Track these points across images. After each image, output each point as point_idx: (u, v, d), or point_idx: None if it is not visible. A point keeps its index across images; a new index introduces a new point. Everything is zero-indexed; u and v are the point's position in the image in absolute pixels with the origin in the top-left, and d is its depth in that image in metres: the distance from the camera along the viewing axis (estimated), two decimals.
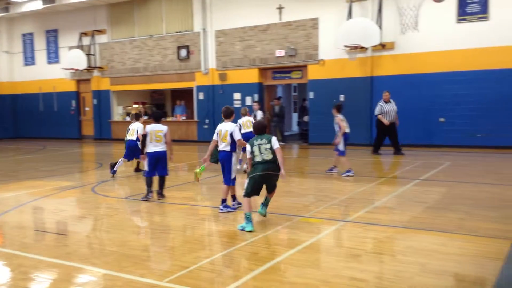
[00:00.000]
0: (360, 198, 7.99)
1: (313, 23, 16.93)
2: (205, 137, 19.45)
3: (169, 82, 20.59)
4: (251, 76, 18.44)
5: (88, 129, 23.36)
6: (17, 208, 8.10)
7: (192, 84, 19.90)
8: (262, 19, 17.87)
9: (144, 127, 9.11)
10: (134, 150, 10.64)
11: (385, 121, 13.64)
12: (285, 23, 17.46)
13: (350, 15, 15.83)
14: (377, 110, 13.90)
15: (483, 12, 14.24)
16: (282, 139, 18.14)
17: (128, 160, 11.28)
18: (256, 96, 18.31)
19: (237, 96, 18.78)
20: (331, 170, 10.45)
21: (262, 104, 17.86)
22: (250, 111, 13.04)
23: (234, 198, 7.44)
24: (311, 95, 17.29)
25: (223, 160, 7.26)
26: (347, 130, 10.17)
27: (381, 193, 8.48)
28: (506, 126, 14.15)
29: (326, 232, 6.15)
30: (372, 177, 10.10)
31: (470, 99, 14.29)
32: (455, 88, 14.53)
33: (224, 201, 7.30)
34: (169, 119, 21.53)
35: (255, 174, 6.34)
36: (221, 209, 7.26)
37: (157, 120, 8.43)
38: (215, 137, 7.33)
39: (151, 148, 8.23)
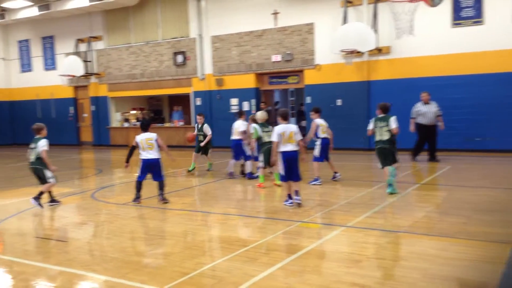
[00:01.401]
0: (360, 203, 8.00)
1: (309, 28, 17.00)
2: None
3: (166, 88, 20.60)
4: (248, 81, 18.47)
5: (87, 135, 23.32)
6: (17, 215, 8.08)
7: (189, 90, 19.92)
8: (258, 25, 17.92)
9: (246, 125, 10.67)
10: (239, 149, 10.96)
11: (412, 126, 12.86)
12: (281, 28, 17.52)
13: (345, 20, 15.90)
14: (411, 113, 13.04)
15: (477, 16, 14.33)
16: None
17: (237, 160, 11.29)
18: (253, 101, 18.35)
19: (234, 101, 18.80)
20: (334, 177, 10.27)
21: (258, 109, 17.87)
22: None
23: (297, 193, 7.85)
24: (308, 99, 17.32)
25: (291, 159, 7.71)
26: (323, 135, 10.00)
27: (381, 197, 8.49)
28: (504, 130, 14.21)
29: (327, 237, 6.15)
30: (371, 181, 10.11)
31: (467, 103, 14.35)
32: (452, 92, 14.59)
33: (290, 196, 7.84)
34: (166, 124, 21.53)
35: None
36: (290, 203, 7.82)
37: (145, 129, 8.85)
38: (277, 138, 7.70)
39: (144, 155, 8.60)
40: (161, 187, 8.59)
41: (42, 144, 8.47)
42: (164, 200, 8.49)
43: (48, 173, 8.53)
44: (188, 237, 6.44)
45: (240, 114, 11.55)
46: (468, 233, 6.06)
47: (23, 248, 6.14)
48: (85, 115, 23.33)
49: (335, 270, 4.90)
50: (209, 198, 9.31)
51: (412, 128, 12.90)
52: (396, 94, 15.54)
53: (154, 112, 23.94)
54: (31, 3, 20.74)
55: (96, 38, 21.90)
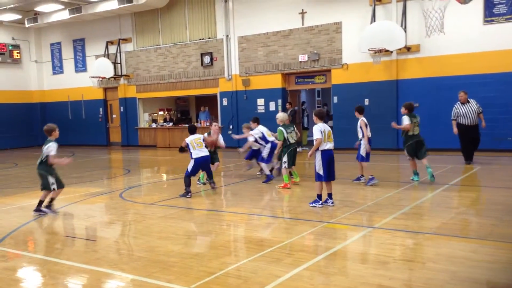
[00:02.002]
0: (387, 204, 7.89)
1: (336, 27, 16.86)
2: (229, 142, 19.46)
3: (193, 89, 20.78)
4: (275, 81, 18.45)
5: (116, 136, 23.73)
6: (48, 214, 8.27)
7: (216, 90, 20.03)
8: (285, 24, 17.88)
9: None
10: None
11: (454, 128, 12.26)
12: (308, 27, 17.43)
13: (374, 18, 15.71)
14: (452, 115, 12.46)
15: (510, 13, 13.94)
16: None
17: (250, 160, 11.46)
18: (280, 101, 18.33)
19: (260, 101, 18.81)
20: (358, 179, 10.14)
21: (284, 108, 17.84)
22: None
23: (331, 196, 7.92)
24: (335, 99, 17.19)
25: (331, 158, 7.73)
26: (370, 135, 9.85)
27: (409, 198, 8.35)
28: None
29: (353, 238, 6.09)
30: (399, 182, 9.96)
31: (499, 101, 13.97)
32: (484, 90, 14.22)
33: (320, 197, 7.86)
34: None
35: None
36: (321, 204, 7.83)
37: (192, 132, 9.73)
38: (320, 135, 7.64)
39: (197, 153, 9.36)
40: (211, 174, 9.80)
41: (49, 149, 7.92)
42: (214, 185, 9.85)
43: (51, 179, 7.97)
44: (213, 237, 6.48)
45: (255, 120, 11.37)
46: (499, 235, 5.90)
47: (54, 247, 6.29)
48: (114, 116, 23.74)
49: (361, 272, 4.84)
50: (234, 199, 9.34)
51: (455, 130, 12.30)
52: (425, 93, 15.30)
53: (181, 113, 24.18)
54: (63, 7, 21.23)
55: (126, 40, 22.26)
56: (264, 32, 18.40)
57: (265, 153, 10.68)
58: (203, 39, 20.11)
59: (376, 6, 15.79)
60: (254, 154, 11.11)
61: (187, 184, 9.21)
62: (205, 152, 9.46)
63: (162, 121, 22.67)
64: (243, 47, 19.04)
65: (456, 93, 14.66)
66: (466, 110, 12.18)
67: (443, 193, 8.73)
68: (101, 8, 20.48)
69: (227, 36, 19.26)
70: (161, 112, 23.27)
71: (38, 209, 8.08)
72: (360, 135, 9.77)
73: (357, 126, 9.86)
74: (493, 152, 13.86)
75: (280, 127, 10.00)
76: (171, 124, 21.95)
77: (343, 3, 16.62)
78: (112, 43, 22.55)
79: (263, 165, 10.86)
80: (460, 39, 14.62)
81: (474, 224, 6.66)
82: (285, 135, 9.88)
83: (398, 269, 4.89)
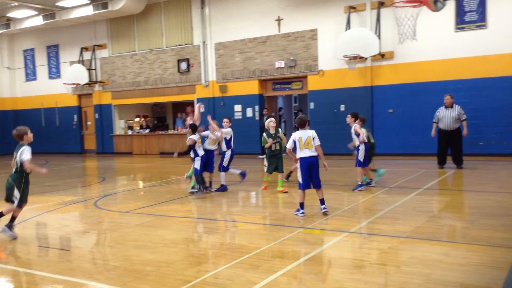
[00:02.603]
0: (363, 209, 7.97)
1: (312, 34, 17.03)
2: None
3: (170, 95, 20.69)
4: (252, 87, 18.51)
5: (90, 143, 23.42)
6: (20, 223, 8.08)
7: (193, 97, 19.98)
8: (261, 31, 17.99)
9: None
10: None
11: (432, 130, 12.45)
12: (284, 34, 17.56)
13: (348, 25, 15.93)
14: (434, 117, 12.62)
15: (481, 20, 14.32)
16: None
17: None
18: (257, 108, 18.39)
19: (238, 108, 18.84)
20: (368, 184, 9.92)
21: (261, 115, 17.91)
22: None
23: (323, 202, 7.67)
24: (311, 105, 17.32)
25: (311, 165, 7.56)
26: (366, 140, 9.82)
27: (384, 203, 8.46)
28: (508, 134, 14.16)
29: (330, 243, 6.13)
30: (374, 187, 10.07)
31: (471, 107, 14.28)
32: (456, 96, 14.42)
33: (302, 205, 7.65)
34: (170, 131, 21.59)
35: None
36: (302, 213, 7.61)
37: (195, 130, 10.21)
38: (290, 145, 7.61)
39: (201, 152, 9.98)
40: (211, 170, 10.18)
41: (24, 155, 6.85)
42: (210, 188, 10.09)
43: (16, 193, 6.88)
44: (190, 245, 6.44)
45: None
46: (471, 237, 6.03)
47: (26, 257, 6.15)
48: (89, 123, 23.44)
49: (338, 276, 4.87)
50: (211, 205, 9.30)
51: (432, 132, 12.50)
52: (399, 99, 15.58)
53: (157, 119, 24.03)
54: (36, 13, 20.92)
55: (101, 46, 22.04)
56: (241, 39, 18.46)
57: (225, 161, 10.34)
58: (179, 45, 20.05)
59: (350, 13, 16.02)
60: (205, 165, 10.38)
61: (200, 181, 9.76)
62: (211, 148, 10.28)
63: (138, 128, 22.48)
64: (220, 54, 19.05)
65: (430, 99, 14.99)
66: (444, 114, 12.29)
67: (416, 197, 8.87)
68: (76, 14, 20.28)
69: (204, 42, 19.26)
70: (137, 119, 23.08)
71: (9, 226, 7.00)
72: (357, 142, 9.75)
73: (351, 133, 9.85)
74: (466, 156, 14.12)
75: (264, 134, 10.16)
76: (147, 130, 21.79)
77: (319, 10, 16.81)
78: (86, 49, 22.30)
79: (222, 174, 10.40)
80: (432, 46, 14.94)
81: (447, 228, 6.78)
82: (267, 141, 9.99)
83: (373, 273, 4.94)
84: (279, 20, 17.60)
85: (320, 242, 6.25)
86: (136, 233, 7.07)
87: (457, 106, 12.35)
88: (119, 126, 22.63)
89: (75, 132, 23.66)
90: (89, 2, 19.63)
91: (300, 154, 7.55)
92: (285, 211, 8.16)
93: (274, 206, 8.87)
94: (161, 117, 24.37)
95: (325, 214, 7.52)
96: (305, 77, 17.47)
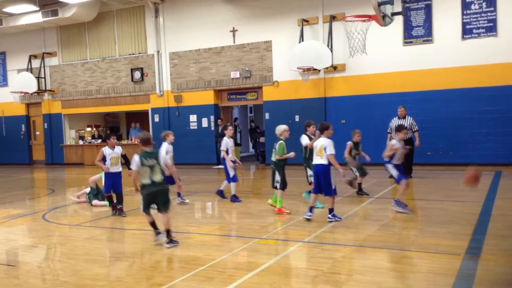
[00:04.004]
0: (317, 218, 8.07)
1: (267, 46, 17.22)
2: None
3: (123, 105, 20.34)
4: (207, 97, 18.47)
5: (39, 154, 22.61)
6: None
7: (147, 107, 19.71)
8: (217, 42, 18.02)
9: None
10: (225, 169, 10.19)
11: (387, 141, 12.15)
12: (239, 45, 17.67)
13: (302, 38, 16.22)
14: (388, 127, 12.94)
15: (428, 35, 14.94)
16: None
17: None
18: (212, 118, 18.35)
19: (193, 118, 18.73)
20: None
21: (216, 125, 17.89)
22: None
23: (331, 211, 7.78)
24: (266, 116, 17.47)
25: (319, 173, 7.67)
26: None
27: (337, 212, 8.58)
28: (454, 144, 14.78)
29: (284, 253, 6.17)
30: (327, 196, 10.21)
31: (419, 118, 14.77)
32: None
33: (331, 210, 7.77)
34: (124, 142, 21.17)
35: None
36: (330, 218, 7.73)
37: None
38: (333, 151, 7.60)
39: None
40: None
41: None
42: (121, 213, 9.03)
43: None
44: (144, 258, 6.31)
45: (225, 128, 10.54)
46: (420, 245, 6.22)
47: None
48: (38, 133, 22.65)
49: (292, 286, 4.91)
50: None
51: (387, 143, 12.71)
52: (351, 110, 15.96)
53: (110, 129, 23.52)
54: None
55: (50, 54, 21.43)
56: (196, 49, 18.43)
57: (231, 172, 9.87)
58: (133, 54, 19.78)
59: (304, 26, 16.34)
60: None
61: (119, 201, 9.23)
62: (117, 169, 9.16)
63: (90, 138, 21.91)
64: (175, 63, 18.93)
65: (380, 110, 15.43)
66: (397, 124, 12.45)
67: (368, 206, 9.09)
68: (24, 21, 19.63)
69: (158, 51, 19.08)
70: (88, 129, 22.52)
71: None
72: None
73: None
74: (415, 166, 14.60)
75: (281, 141, 8.87)
76: (99, 141, 21.28)
77: (273, 22, 17.04)
78: (35, 57, 21.61)
79: (232, 184, 9.94)
80: (382, 59, 15.44)
81: (397, 236, 6.97)
82: (285, 151, 8.77)
83: (327, 282, 5.01)
84: (234, 31, 17.70)
85: (274, 252, 6.28)
86: (86, 247, 6.86)
87: (409, 117, 12.79)
88: (69, 136, 21.99)
89: (23, 142, 22.79)
90: (38, 9, 19.05)
91: (313, 160, 7.87)
92: (241, 221, 8.15)
93: (229, 217, 8.85)
94: (115, 127, 23.87)
95: (329, 221, 7.71)
96: (260, 87, 17.61)
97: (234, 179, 9.88)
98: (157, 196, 6.61)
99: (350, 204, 9.28)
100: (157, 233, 6.85)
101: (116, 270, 5.80)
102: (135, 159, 6.65)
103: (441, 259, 5.60)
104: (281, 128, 8.92)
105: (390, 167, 8.70)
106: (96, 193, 10.40)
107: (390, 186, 11.66)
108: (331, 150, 7.58)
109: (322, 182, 7.68)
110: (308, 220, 7.81)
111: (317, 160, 7.73)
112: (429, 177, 12.91)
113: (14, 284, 5.31)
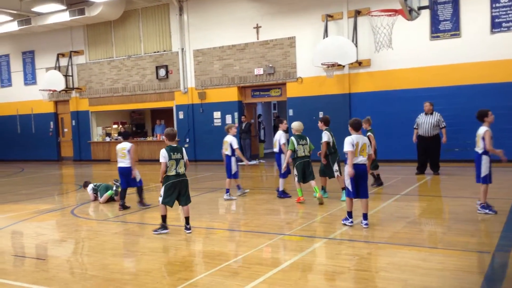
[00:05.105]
0: (342, 215, 8.01)
1: (290, 42, 17.16)
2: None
3: (149, 102, 20.56)
4: (231, 94, 18.52)
5: (67, 150, 23.07)
6: None
7: (172, 104, 19.89)
8: (240, 38, 18.04)
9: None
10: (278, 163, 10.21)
11: (414, 136, 12.56)
12: (263, 42, 17.66)
13: (326, 33, 16.10)
14: (414, 123, 12.78)
15: (455, 29, 14.65)
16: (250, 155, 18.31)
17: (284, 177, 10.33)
18: (236, 114, 18.41)
19: (217, 114, 18.82)
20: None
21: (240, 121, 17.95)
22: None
23: (365, 216, 7.11)
24: (290, 112, 17.42)
25: (361, 173, 7.05)
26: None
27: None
28: None
29: (309, 250, 6.15)
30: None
31: (446, 114, 14.51)
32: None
33: (351, 214, 7.22)
34: (149, 138, 21.43)
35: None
36: (351, 222, 7.19)
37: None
38: (351, 148, 6.99)
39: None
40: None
41: None
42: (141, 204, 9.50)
43: None
44: (170, 253, 6.39)
45: (280, 122, 10.48)
46: (448, 243, 6.12)
47: (1, 267, 6.01)
48: (66, 130, 23.11)
49: (317, 283, 4.90)
50: (192, 212, 9.22)
51: (414, 138, 12.65)
52: (376, 106, 15.76)
53: (136, 126, 23.83)
54: (11, 18, 20.57)
55: (77, 52, 21.80)
56: (220, 46, 18.49)
57: (233, 167, 10.10)
58: (158, 52, 19.97)
59: (328, 21, 16.21)
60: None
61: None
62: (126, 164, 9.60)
63: (116, 135, 22.24)
64: (199, 60, 19.03)
65: (406, 106, 15.24)
66: (423, 121, 12.49)
67: (394, 203, 8.99)
68: (52, 20, 20.00)
69: (183, 49, 19.21)
70: (115, 126, 22.84)
71: None
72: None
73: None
74: (442, 163, 14.37)
75: (292, 137, 9.34)
76: (120, 137, 21.55)
77: (297, 18, 16.96)
78: (63, 55, 22.01)
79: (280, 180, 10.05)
80: (408, 54, 15.20)
81: (424, 233, 6.88)
82: (295, 145, 9.17)
83: (352, 279, 4.98)
84: (257, 27, 17.69)
85: (299, 248, 6.27)
86: (114, 242, 6.98)
87: (437, 113, 12.58)
88: (96, 133, 22.36)
89: (52, 139, 23.28)
90: (66, 8, 19.40)
91: (354, 160, 7.04)
92: (265, 217, 8.17)
93: (253, 213, 8.86)
94: (140, 124, 24.18)
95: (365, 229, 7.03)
96: (284, 84, 17.57)
97: (284, 175, 9.93)
98: (181, 186, 7.19)
99: (376, 201, 9.19)
100: (164, 226, 7.29)
101: (143, 264, 5.88)
102: (163, 152, 7.13)
103: (470, 257, 5.51)
104: (296, 125, 9.60)
105: (485, 160, 7.82)
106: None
107: (416, 182, 11.50)
108: (371, 149, 7.27)
109: (362, 184, 7.11)
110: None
111: (361, 159, 7.07)
112: (457, 174, 12.67)
113: (44, 278, 5.44)
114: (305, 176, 9.26)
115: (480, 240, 6.16)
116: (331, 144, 9.40)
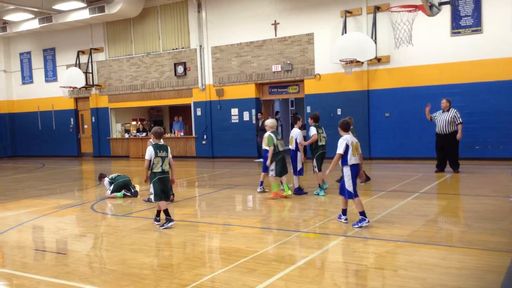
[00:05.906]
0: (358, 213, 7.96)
1: (308, 38, 17.08)
2: (203, 152, 19.49)
3: (167, 99, 20.70)
4: (248, 91, 18.53)
5: (87, 146, 23.39)
6: (16, 227, 8.08)
7: (190, 100, 19.98)
8: (258, 35, 18.03)
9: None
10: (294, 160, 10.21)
11: (427, 114, 12.55)
12: (281, 38, 17.61)
13: (345, 29, 15.99)
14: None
15: (476, 25, 14.40)
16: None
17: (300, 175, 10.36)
18: (253, 111, 18.42)
19: (234, 111, 18.86)
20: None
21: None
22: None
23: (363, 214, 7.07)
24: (308, 109, 17.36)
25: (358, 172, 7.12)
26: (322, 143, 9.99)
27: (381, 207, 8.47)
28: (504, 138, 14.22)
29: (326, 247, 6.13)
30: (371, 190, 10.10)
31: (466, 111, 14.34)
32: (452, 100, 14.55)
33: (345, 211, 7.35)
34: (167, 135, 21.57)
35: None
36: (345, 219, 7.29)
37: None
38: (343, 150, 6.94)
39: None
40: None
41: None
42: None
43: None
44: (187, 248, 6.43)
45: (297, 119, 10.50)
46: (468, 241, 6.04)
47: (22, 261, 6.13)
48: (86, 126, 23.42)
49: (334, 280, 4.88)
50: (209, 209, 9.30)
51: (426, 113, 12.67)
52: (395, 103, 15.63)
53: (154, 123, 24.00)
54: (32, 16, 20.90)
55: (97, 49, 22.04)
56: (238, 43, 18.50)
57: (299, 165, 9.99)
58: (176, 49, 20.07)
59: (347, 17, 16.08)
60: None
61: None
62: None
63: (135, 131, 22.46)
64: (217, 57, 19.08)
65: (425, 103, 15.03)
66: (439, 118, 12.37)
67: (413, 201, 8.90)
68: (72, 17, 20.27)
69: (201, 46, 19.28)
70: (134, 122, 23.07)
71: None
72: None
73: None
74: (462, 160, 14.18)
75: (269, 133, 9.63)
76: (144, 134, 21.77)
77: (315, 14, 16.87)
78: (83, 52, 22.28)
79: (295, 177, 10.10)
80: (428, 51, 15.00)
81: (444, 231, 6.80)
82: (275, 141, 9.56)
83: (370, 277, 4.95)
84: (275, 24, 17.65)
85: (317, 246, 6.25)
86: (132, 237, 7.06)
87: (453, 109, 12.37)
88: (116, 129, 22.61)
89: (72, 135, 23.62)
90: (86, 5, 19.64)
91: (352, 160, 6.97)
92: (282, 214, 8.17)
93: (271, 210, 8.87)
94: (158, 121, 24.36)
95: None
96: (302, 81, 17.51)
97: (300, 172, 9.95)
98: (166, 182, 7.60)
99: (395, 199, 9.11)
100: (169, 220, 7.46)
101: (161, 259, 5.94)
102: (150, 150, 7.47)
103: (490, 256, 5.43)
104: (270, 122, 9.87)
105: None
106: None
107: (436, 180, 11.36)
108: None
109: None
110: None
111: (358, 159, 7.05)
112: (478, 172, 12.49)
113: (65, 272, 5.53)
114: (282, 171, 9.67)
115: (500, 239, 6.06)
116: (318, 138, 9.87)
